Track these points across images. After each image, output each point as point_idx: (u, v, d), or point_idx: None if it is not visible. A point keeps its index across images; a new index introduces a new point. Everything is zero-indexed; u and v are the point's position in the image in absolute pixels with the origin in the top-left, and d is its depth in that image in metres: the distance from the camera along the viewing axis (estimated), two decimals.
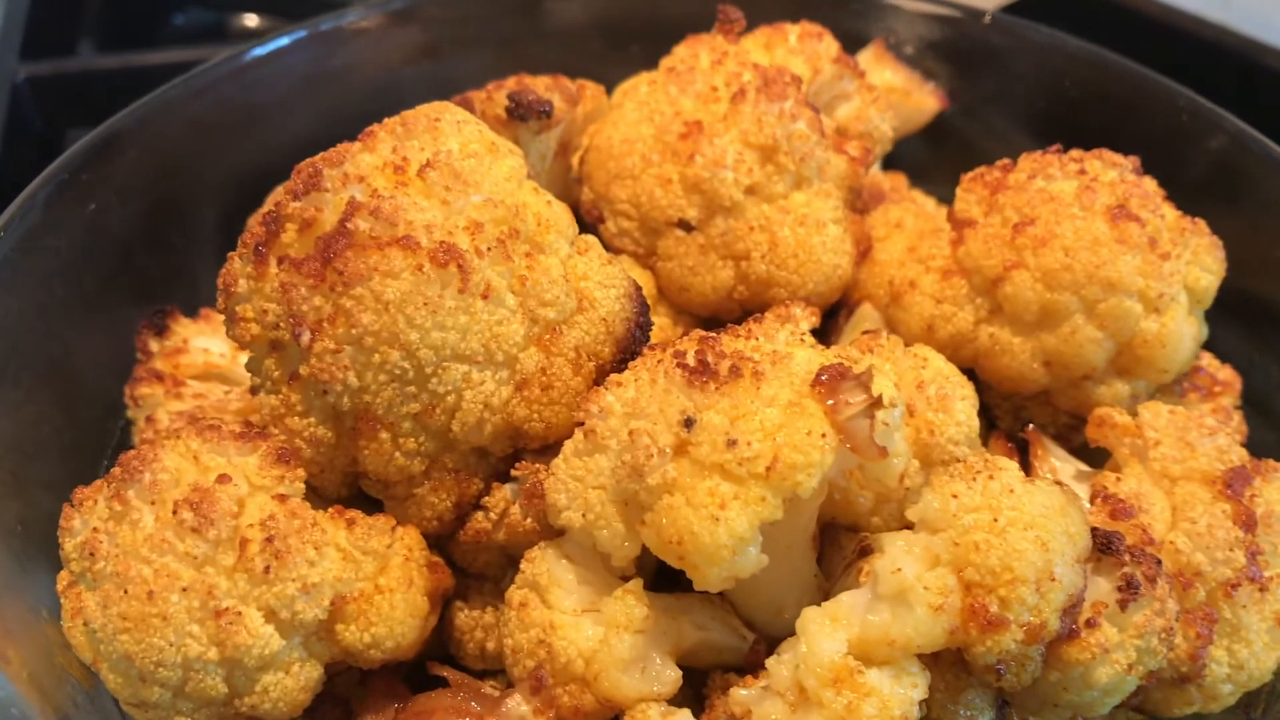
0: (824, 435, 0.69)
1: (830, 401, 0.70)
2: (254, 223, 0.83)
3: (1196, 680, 0.79)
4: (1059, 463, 0.90)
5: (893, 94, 1.20)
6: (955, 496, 0.70)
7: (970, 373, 0.93)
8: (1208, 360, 0.99)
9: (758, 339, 0.76)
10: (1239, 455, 0.82)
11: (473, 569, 0.85)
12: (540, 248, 0.80)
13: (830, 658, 0.68)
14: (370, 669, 0.79)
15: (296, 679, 0.74)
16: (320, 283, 0.75)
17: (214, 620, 0.71)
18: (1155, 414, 0.85)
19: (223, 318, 1.04)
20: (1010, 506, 0.69)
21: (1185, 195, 0.96)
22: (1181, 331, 0.90)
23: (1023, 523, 0.68)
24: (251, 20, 2.35)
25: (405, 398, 0.76)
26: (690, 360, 0.72)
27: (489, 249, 0.77)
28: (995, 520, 0.68)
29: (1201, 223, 0.93)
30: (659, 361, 0.74)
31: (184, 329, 1.01)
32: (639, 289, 0.85)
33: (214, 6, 2.41)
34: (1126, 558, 0.72)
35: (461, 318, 0.75)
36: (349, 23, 1.22)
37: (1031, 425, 0.93)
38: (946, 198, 1.20)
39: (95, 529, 0.74)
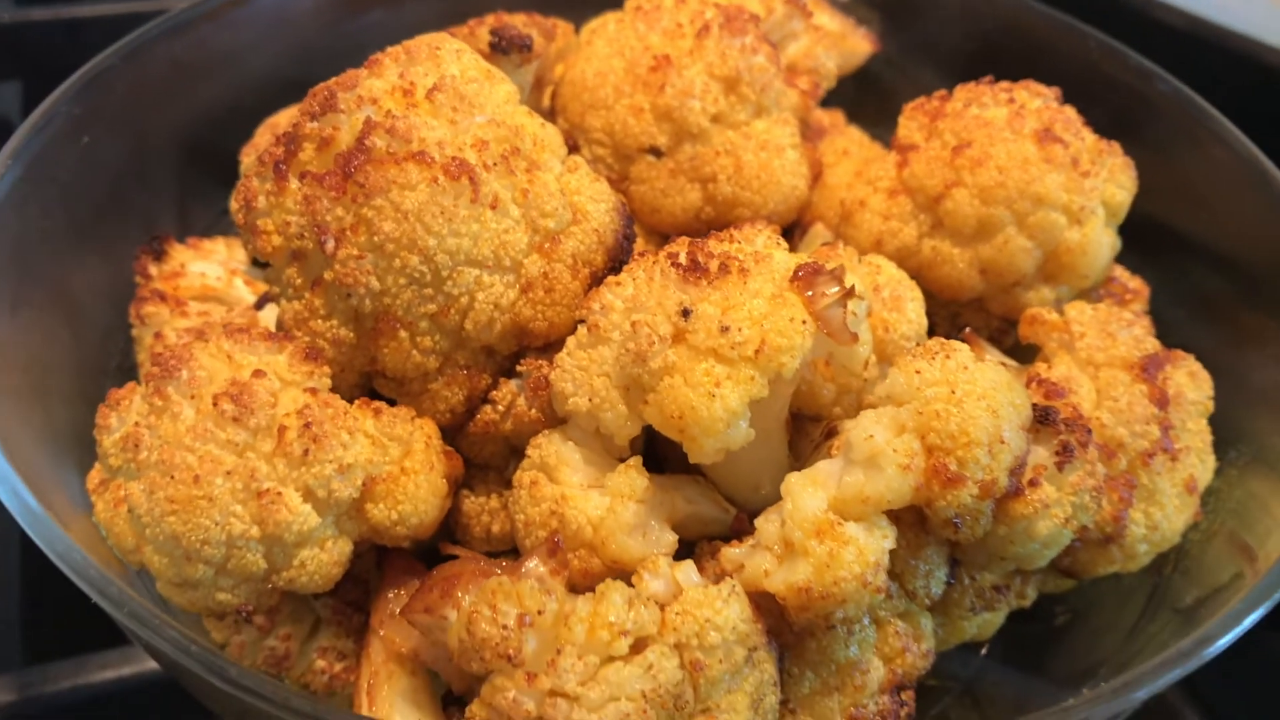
0: (804, 321, 0.78)
1: (809, 293, 0.80)
2: (264, 141, 0.90)
3: (1118, 540, 0.91)
4: (992, 358, 1.00)
5: (829, 37, 1.29)
6: (918, 372, 0.80)
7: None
8: (1120, 271, 1.10)
9: (739, 242, 0.85)
10: (1153, 344, 0.94)
11: (478, 459, 0.93)
12: (537, 165, 0.88)
13: (813, 513, 0.77)
14: (391, 548, 0.87)
15: (330, 553, 0.82)
16: (342, 195, 0.82)
17: (256, 500, 0.78)
18: (1080, 311, 0.96)
19: (210, 245, 1.11)
20: (965, 380, 0.79)
21: (1095, 125, 1.08)
22: (1100, 241, 1.01)
23: (976, 394, 0.79)
24: None
25: (423, 299, 0.83)
26: (683, 260, 0.81)
27: (494, 164, 0.85)
28: (953, 392, 0.78)
29: (1116, 145, 1.04)
30: (654, 263, 0.83)
31: (179, 254, 1.07)
32: (624, 204, 0.94)
33: None
34: (1062, 427, 0.83)
35: (473, 225, 0.83)
36: None
37: (968, 328, 1.04)
38: (876, 134, 1.31)
39: (136, 424, 0.81)
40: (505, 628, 0.70)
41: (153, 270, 1.05)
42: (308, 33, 1.32)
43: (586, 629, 0.71)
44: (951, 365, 0.80)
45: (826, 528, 0.77)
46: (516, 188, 0.85)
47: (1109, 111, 1.19)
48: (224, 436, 0.79)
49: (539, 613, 0.71)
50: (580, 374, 0.83)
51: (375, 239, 0.81)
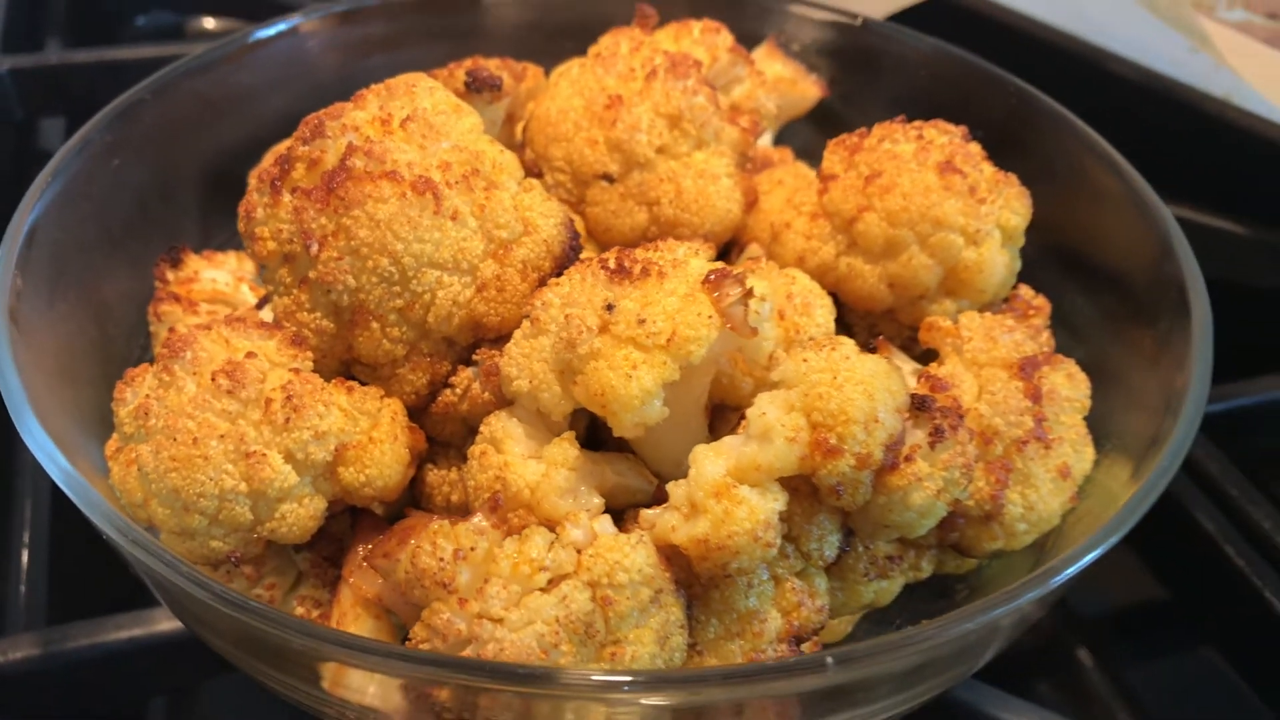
0: (710, 317, 0.92)
1: (716, 293, 0.94)
2: (268, 164, 1.05)
3: (998, 518, 1.03)
4: (900, 363, 1.14)
5: (781, 83, 1.45)
6: (805, 361, 0.94)
7: (834, 296, 1.18)
8: (1024, 289, 1.23)
9: (662, 251, 0.99)
10: (1031, 349, 1.08)
11: (441, 437, 1.08)
12: (495, 184, 1.03)
13: (714, 477, 0.91)
14: (361, 509, 1.02)
15: (306, 509, 0.96)
16: (325, 207, 0.97)
17: (244, 460, 0.93)
18: (970, 319, 1.10)
19: (222, 257, 1.27)
20: (846, 369, 0.93)
21: (1011, 160, 1.23)
22: (995, 260, 1.14)
23: (855, 380, 0.92)
24: (210, 22, 2.55)
25: (392, 295, 0.98)
26: (611, 264, 0.96)
27: (456, 183, 1.00)
28: (835, 378, 0.92)
29: (1013, 176, 1.18)
30: (588, 267, 0.98)
31: (194, 263, 1.23)
32: (571, 220, 1.09)
33: (174, 9, 2.60)
34: (936, 414, 0.96)
35: (435, 234, 0.98)
36: (325, 16, 1.44)
37: (881, 336, 1.18)
38: None
39: (147, 396, 0.96)
40: (442, 560, 0.84)
41: (170, 276, 1.21)
42: (316, 73, 1.48)
43: (511, 564, 0.85)
44: (835, 356, 0.94)
45: (724, 490, 0.91)
46: (475, 203, 1.00)
47: (1023, 145, 1.34)
48: (219, 406, 0.93)
49: (471, 549, 0.85)
50: (524, 360, 0.97)
51: (352, 243, 0.96)
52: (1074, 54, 1.99)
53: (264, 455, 0.93)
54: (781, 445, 0.91)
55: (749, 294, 0.94)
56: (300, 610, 1.03)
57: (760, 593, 0.96)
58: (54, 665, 1.20)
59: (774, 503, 0.92)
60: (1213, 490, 1.46)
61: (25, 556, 1.38)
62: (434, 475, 1.07)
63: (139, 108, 1.27)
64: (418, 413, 1.06)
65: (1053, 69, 2.02)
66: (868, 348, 1.14)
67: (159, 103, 1.29)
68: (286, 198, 1.00)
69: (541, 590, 0.85)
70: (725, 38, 1.29)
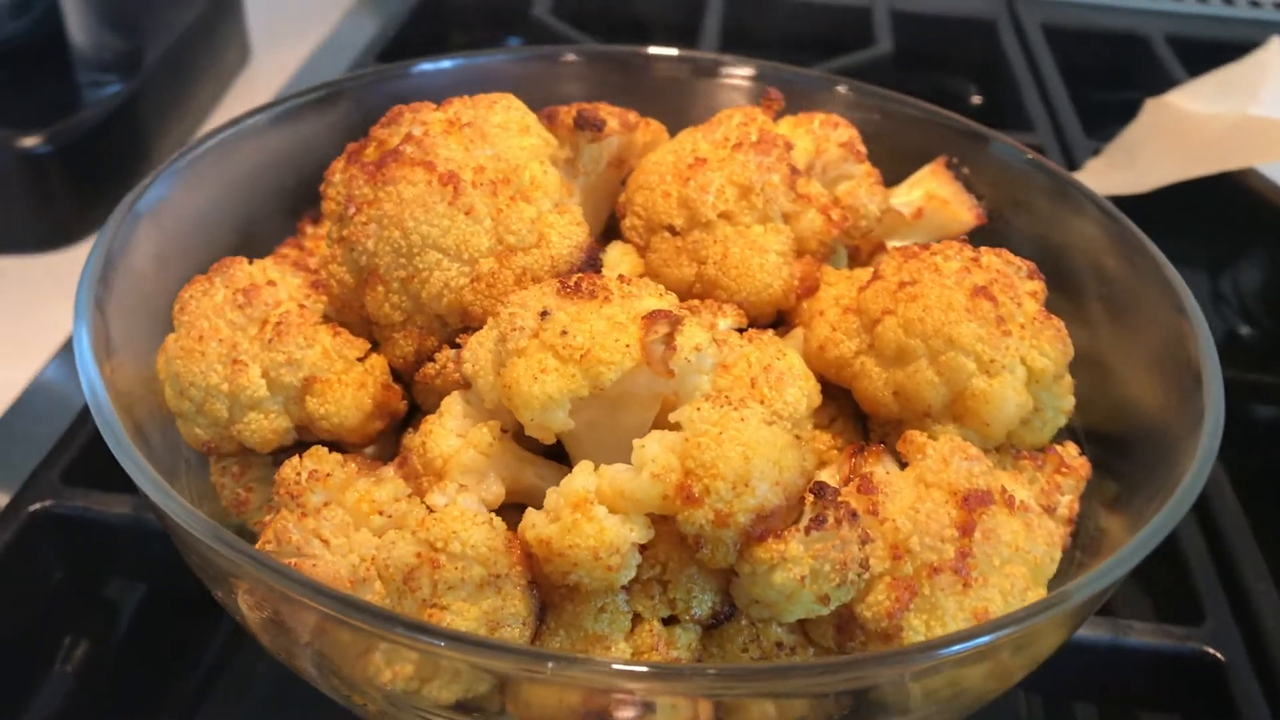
0: (629, 346, 0.97)
1: (644, 329, 0.99)
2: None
3: (895, 638, 0.99)
4: (885, 470, 1.12)
5: (934, 201, 1.45)
6: (699, 410, 0.96)
7: (849, 392, 1.18)
8: (1070, 446, 1.17)
9: (632, 284, 1.05)
10: (988, 483, 1.02)
11: (425, 408, 1.19)
12: (526, 198, 1.14)
13: (578, 490, 0.95)
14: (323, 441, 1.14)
15: (271, 423, 1.10)
16: (371, 180, 1.12)
17: (231, 365, 1.08)
18: (939, 440, 1.06)
19: None
20: (735, 428, 0.94)
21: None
22: (1006, 396, 1.10)
23: (738, 440, 0.93)
24: None
25: (398, 265, 1.11)
26: (571, 282, 1.03)
27: (481, 185, 1.11)
28: (720, 433, 0.93)
29: (1058, 320, 1.13)
30: (552, 280, 1.05)
31: None
32: (595, 248, 1.17)
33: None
34: (828, 503, 0.95)
35: (445, 222, 1.09)
36: (484, 62, 1.61)
37: (882, 444, 1.16)
38: None
39: (191, 297, 1.14)
40: (299, 475, 0.95)
41: (309, 229, 1.40)
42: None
43: (356, 498, 0.94)
44: (732, 415, 0.95)
45: (582, 503, 0.94)
46: (495, 206, 1.11)
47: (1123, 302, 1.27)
48: (229, 317, 1.10)
49: (328, 475, 0.95)
50: (476, 347, 1.06)
51: (378, 213, 1.10)
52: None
53: (246, 365, 1.08)
54: (646, 479, 0.94)
55: (672, 336, 0.98)
56: (268, 518, 1.16)
57: (611, 620, 0.99)
58: (144, 528, 1.39)
59: (630, 532, 0.94)
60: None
61: None
62: (409, 439, 1.18)
63: (338, 95, 1.48)
64: (409, 380, 1.18)
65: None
66: (860, 449, 1.14)
67: (321, 106, 1.48)
68: (354, 169, 1.15)
69: (372, 530, 0.93)
70: (842, 133, 1.32)
